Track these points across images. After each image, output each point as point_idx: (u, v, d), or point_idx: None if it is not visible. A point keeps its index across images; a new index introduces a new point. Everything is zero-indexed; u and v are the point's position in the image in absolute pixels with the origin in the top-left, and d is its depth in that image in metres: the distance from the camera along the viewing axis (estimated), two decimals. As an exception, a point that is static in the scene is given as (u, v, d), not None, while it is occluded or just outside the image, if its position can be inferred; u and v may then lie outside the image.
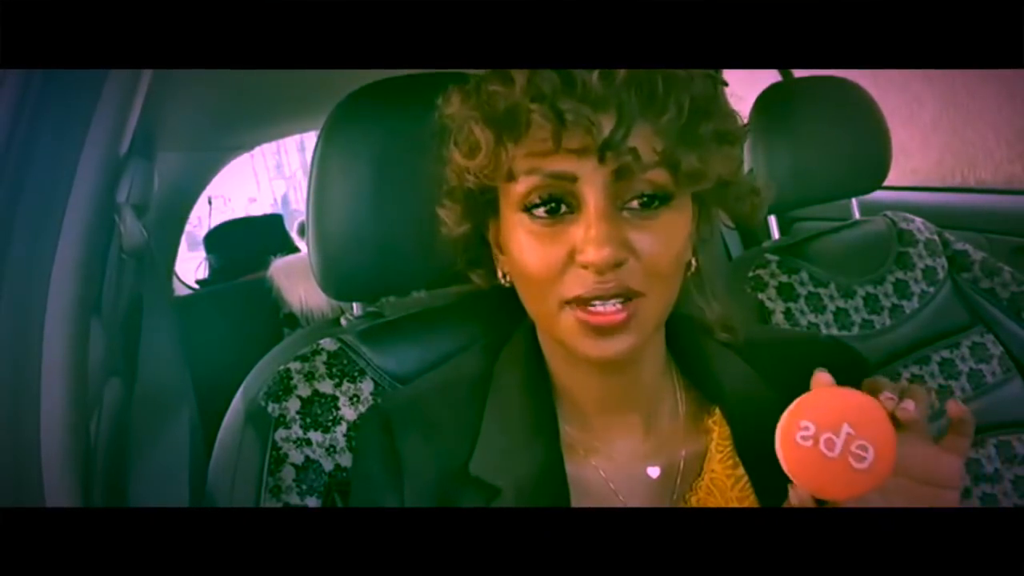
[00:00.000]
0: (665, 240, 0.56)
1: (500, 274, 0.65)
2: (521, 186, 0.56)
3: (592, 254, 0.53)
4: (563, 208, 0.56)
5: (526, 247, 0.57)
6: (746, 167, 1.26)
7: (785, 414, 0.53)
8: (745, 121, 0.61)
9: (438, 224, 0.65)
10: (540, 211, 0.56)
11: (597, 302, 0.55)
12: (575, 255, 0.55)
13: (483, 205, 0.62)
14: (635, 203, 0.55)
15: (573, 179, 0.54)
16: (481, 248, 0.66)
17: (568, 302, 0.56)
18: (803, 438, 0.52)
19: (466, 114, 0.59)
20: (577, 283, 0.55)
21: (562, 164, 0.54)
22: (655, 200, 0.55)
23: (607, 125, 0.52)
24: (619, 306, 0.55)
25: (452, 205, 0.64)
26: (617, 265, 0.54)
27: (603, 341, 0.56)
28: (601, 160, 0.53)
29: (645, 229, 0.55)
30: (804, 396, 0.53)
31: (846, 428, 0.52)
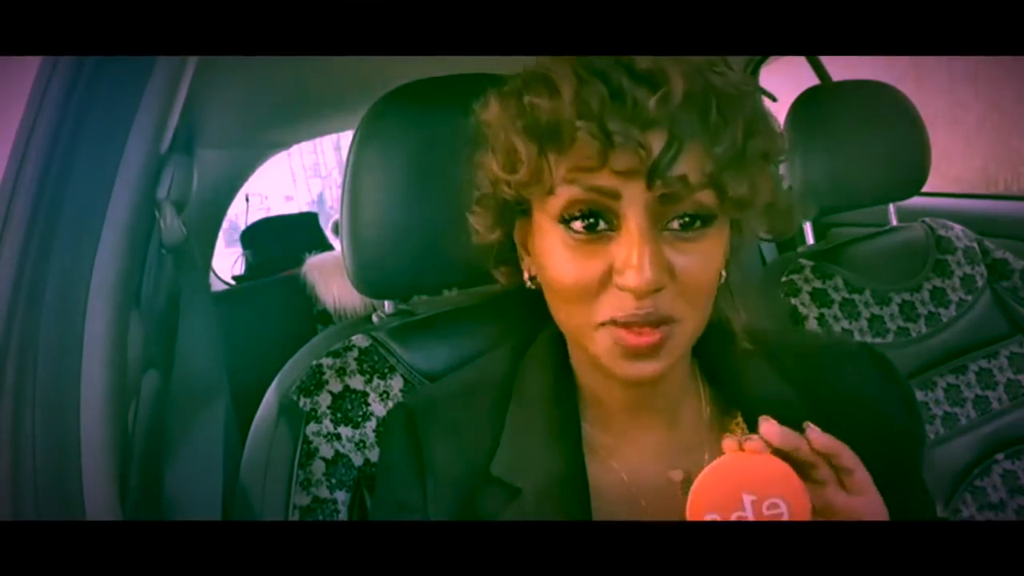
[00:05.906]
0: (704, 262, 0.54)
1: (527, 275, 0.64)
2: (560, 196, 0.54)
3: (633, 278, 0.51)
4: (601, 224, 0.54)
5: (562, 260, 0.55)
6: (782, 172, 1.25)
7: (687, 515, 0.50)
8: (782, 129, 0.59)
9: (470, 230, 0.65)
10: (578, 224, 0.54)
11: (633, 326, 0.54)
12: (613, 275, 0.53)
13: (515, 211, 0.62)
14: (676, 224, 0.54)
15: (616, 196, 0.52)
16: (508, 247, 0.65)
17: (603, 324, 0.55)
18: None
19: (505, 123, 0.57)
20: (613, 305, 0.54)
21: (606, 180, 0.52)
22: (697, 220, 0.54)
23: (656, 146, 0.50)
24: (653, 328, 0.54)
25: (483, 212, 0.63)
26: (657, 290, 0.52)
27: (637, 363, 0.55)
28: (649, 186, 0.51)
29: (686, 252, 0.54)
30: (693, 490, 0.51)
31: (747, 498, 0.50)
